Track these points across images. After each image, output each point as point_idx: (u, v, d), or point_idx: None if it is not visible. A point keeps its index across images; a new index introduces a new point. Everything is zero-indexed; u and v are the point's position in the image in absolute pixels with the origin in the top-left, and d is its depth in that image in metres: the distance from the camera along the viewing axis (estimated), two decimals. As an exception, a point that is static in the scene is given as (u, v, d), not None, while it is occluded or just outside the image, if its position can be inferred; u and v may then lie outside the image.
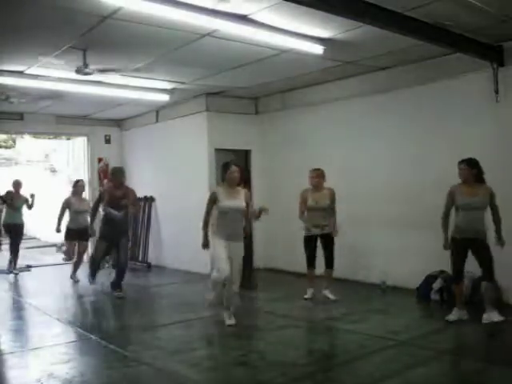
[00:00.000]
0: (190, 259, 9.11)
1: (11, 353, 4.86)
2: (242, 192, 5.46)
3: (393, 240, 7.20)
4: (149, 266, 10.08)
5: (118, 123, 11.25)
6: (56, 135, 14.22)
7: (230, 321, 5.37)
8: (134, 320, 6.07)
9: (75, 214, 8.24)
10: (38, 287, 8.43)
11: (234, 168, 5.39)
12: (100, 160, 11.03)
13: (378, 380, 3.99)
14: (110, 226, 6.94)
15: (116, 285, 7.15)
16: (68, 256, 8.56)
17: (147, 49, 6.09)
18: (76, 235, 8.22)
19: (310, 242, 6.58)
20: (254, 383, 4.09)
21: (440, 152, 6.64)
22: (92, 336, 5.28)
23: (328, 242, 6.56)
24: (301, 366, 4.32)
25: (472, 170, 5.24)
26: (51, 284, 8.76)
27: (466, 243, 5.27)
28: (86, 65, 6.18)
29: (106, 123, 11.04)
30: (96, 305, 7.11)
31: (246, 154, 9.30)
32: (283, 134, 8.90)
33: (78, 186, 8.43)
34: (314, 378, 4.08)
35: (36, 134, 16.09)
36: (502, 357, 4.50)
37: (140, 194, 8.34)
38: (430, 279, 6.50)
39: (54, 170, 16.50)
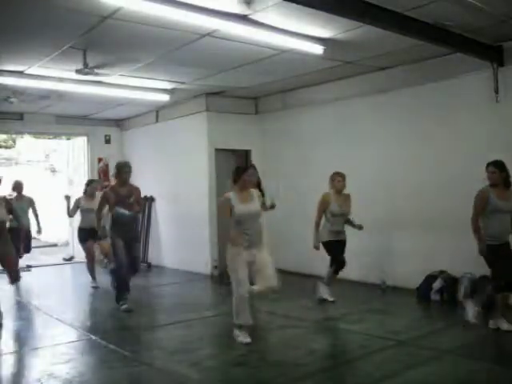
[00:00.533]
0: (190, 259, 9.12)
1: (11, 353, 4.87)
2: (254, 194, 5.04)
3: (393, 240, 7.20)
4: (149, 265, 10.09)
5: (118, 123, 11.25)
6: (56, 135, 14.21)
7: (247, 339, 4.88)
8: (133, 320, 6.07)
9: (84, 213, 8.14)
10: (39, 287, 8.42)
11: (251, 171, 5.07)
12: (100, 160, 11.04)
13: (378, 380, 3.99)
14: (120, 225, 6.43)
15: (120, 294, 6.56)
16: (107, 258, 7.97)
17: (147, 49, 6.09)
18: (88, 235, 7.94)
19: (336, 245, 6.33)
20: (254, 383, 4.09)
21: (440, 152, 6.64)
22: (92, 336, 5.28)
23: (342, 248, 6.47)
24: (301, 365, 4.32)
25: (501, 172, 5.02)
26: (51, 284, 8.76)
27: (502, 248, 5.03)
28: (86, 65, 6.18)
29: (105, 123, 11.05)
30: (96, 305, 7.11)
31: (246, 154, 9.29)
32: (283, 133, 8.89)
33: (89, 187, 8.29)
34: (314, 378, 4.09)
35: (36, 134, 16.08)
36: (503, 357, 4.51)
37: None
38: (430, 279, 6.50)
39: (54, 170, 16.52)
